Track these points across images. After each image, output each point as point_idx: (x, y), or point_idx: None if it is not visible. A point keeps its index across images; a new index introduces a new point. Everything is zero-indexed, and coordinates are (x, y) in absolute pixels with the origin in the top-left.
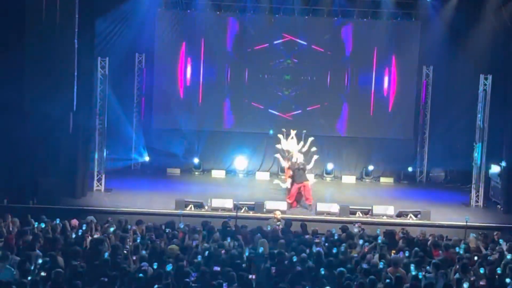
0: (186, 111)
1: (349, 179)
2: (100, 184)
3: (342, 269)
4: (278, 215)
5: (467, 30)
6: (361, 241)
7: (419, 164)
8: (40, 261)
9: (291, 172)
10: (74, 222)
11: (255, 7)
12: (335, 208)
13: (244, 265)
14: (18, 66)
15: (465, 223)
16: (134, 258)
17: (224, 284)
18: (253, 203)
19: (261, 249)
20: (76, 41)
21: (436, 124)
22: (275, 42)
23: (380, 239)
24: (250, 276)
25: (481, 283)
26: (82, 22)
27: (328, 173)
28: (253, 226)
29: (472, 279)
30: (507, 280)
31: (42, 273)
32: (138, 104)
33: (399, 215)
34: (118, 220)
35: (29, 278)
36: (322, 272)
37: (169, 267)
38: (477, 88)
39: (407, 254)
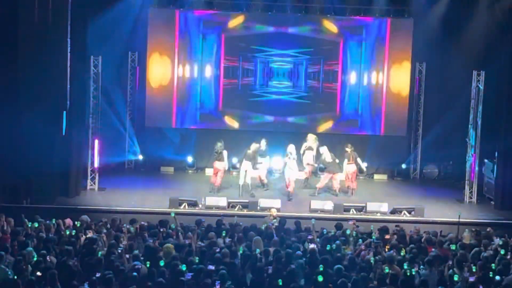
0: (179, 109)
1: (343, 176)
2: (94, 183)
3: (339, 266)
4: (274, 213)
5: (460, 27)
6: (354, 235)
7: (413, 160)
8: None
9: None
10: (68, 221)
11: (248, 5)
12: (329, 205)
13: (238, 263)
14: (11, 65)
15: (458, 219)
16: (128, 256)
17: (217, 282)
18: (247, 201)
19: (254, 247)
20: (69, 40)
21: (429, 120)
22: (270, 39)
23: (374, 236)
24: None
25: (471, 279)
26: (75, 21)
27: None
28: (247, 224)
29: (465, 275)
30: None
31: (38, 273)
32: (131, 103)
33: (393, 212)
34: (112, 219)
35: (24, 277)
36: (317, 269)
37: (162, 263)
38: (470, 84)
39: (402, 253)
